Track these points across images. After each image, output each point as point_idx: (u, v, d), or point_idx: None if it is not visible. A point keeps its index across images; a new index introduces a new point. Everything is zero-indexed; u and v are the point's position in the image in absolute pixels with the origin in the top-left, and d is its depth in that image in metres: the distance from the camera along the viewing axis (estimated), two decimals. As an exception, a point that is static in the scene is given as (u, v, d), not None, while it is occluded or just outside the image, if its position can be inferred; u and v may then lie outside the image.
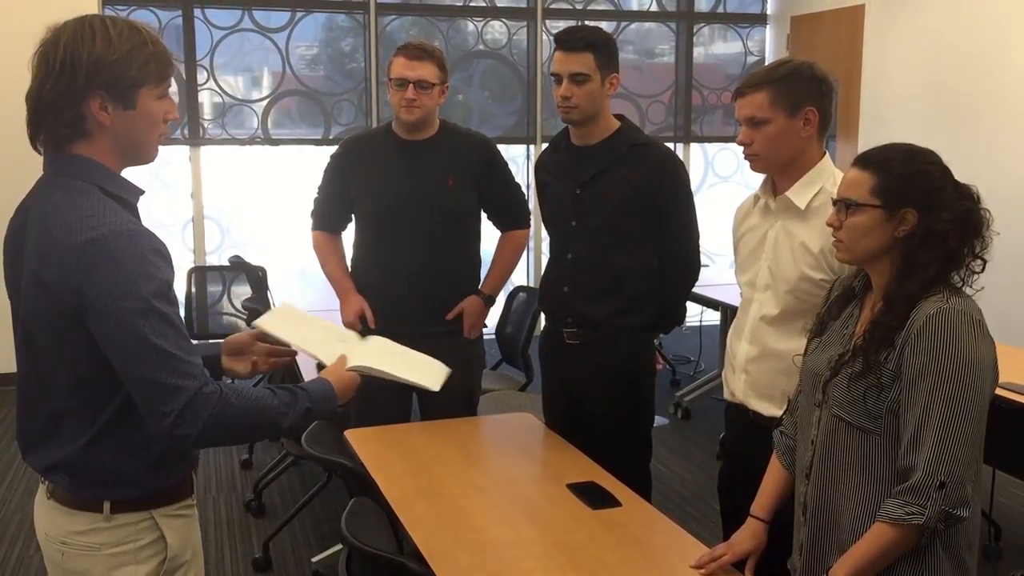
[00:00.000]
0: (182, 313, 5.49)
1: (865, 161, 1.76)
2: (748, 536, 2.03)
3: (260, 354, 1.97)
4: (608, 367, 2.88)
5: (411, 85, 3.04)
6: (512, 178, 3.33)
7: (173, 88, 1.74)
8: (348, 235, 3.38)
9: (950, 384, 1.62)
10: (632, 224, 2.88)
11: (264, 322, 2.03)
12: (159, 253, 1.59)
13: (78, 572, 1.69)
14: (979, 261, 1.74)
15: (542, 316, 3.29)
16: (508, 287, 7.34)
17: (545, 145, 7.36)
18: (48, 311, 1.59)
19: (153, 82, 1.64)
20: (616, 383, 2.92)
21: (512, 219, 3.34)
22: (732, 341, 2.44)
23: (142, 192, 1.71)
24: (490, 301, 3.31)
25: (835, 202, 1.79)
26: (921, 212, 1.69)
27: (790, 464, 2.02)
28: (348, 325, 3.14)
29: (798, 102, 2.18)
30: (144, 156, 1.71)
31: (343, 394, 1.85)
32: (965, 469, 1.61)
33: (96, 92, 1.58)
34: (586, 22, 7.27)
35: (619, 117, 2.97)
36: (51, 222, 1.58)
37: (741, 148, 2.28)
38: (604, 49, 2.83)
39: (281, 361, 2.01)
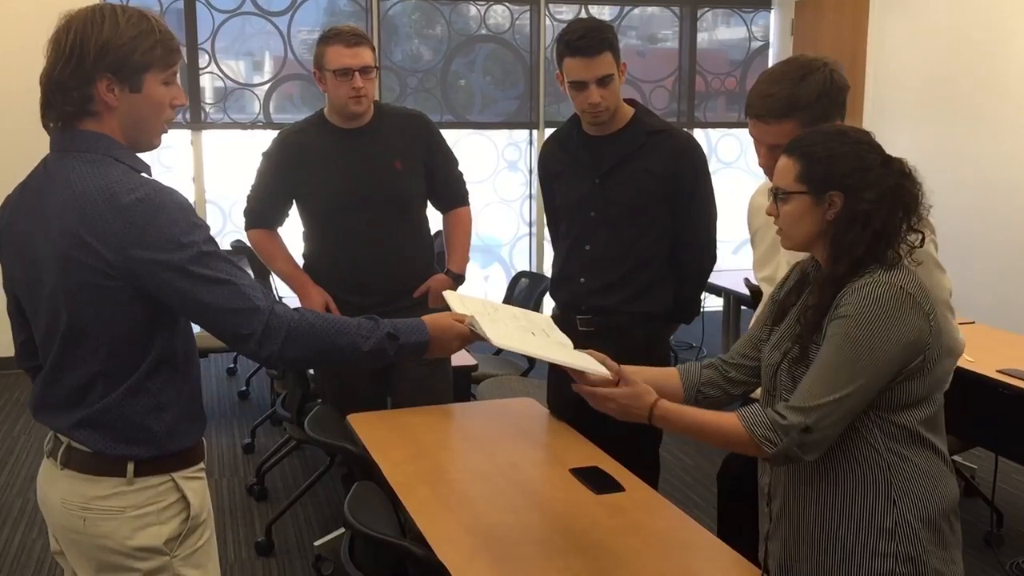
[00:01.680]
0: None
1: (791, 148, 1.76)
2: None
3: None
4: (622, 354, 2.78)
5: (356, 73, 2.95)
6: (453, 155, 3.30)
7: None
8: (292, 229, 3.33)
9: (854, 346, 1.63)
10: (653, 213, 2.82)
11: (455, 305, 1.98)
12: (191, 206, 1.70)
13: (101, 535, 1.73)
14: (916, 234, 1.72)
15: (546, 301, 3.27)
16: (510, 272, 7.36)
17: (549, 131, 7.38)
18: (92, 273, 1.64)
19: (159, 67, 1.71)
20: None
21: (454, 197, 3.30)
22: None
23: (148, 166, 1.77)
24: (459, 279, 3.30)
25: (772, 192, 1.79)
26: (846, 193, 1.70)
27: (687, 382, 2.01)
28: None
29: (827, 121, 2.03)
30: (148, 141, 1.77)
31: (438, 334, 1.87)
32: (831, 424, 1.64)
33: (103, 74, 1.66)
34: (590, 7, 7.25)
35: (631, 102, 2.89)
36: (86, 188, 1.64)
37: (745, 135, 2.19)
38: (614, 41, 2.76)
39: None
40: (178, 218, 1.64)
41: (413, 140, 3.14)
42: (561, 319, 3.02)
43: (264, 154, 3.20)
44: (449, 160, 3.26)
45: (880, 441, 1.70)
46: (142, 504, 1.74)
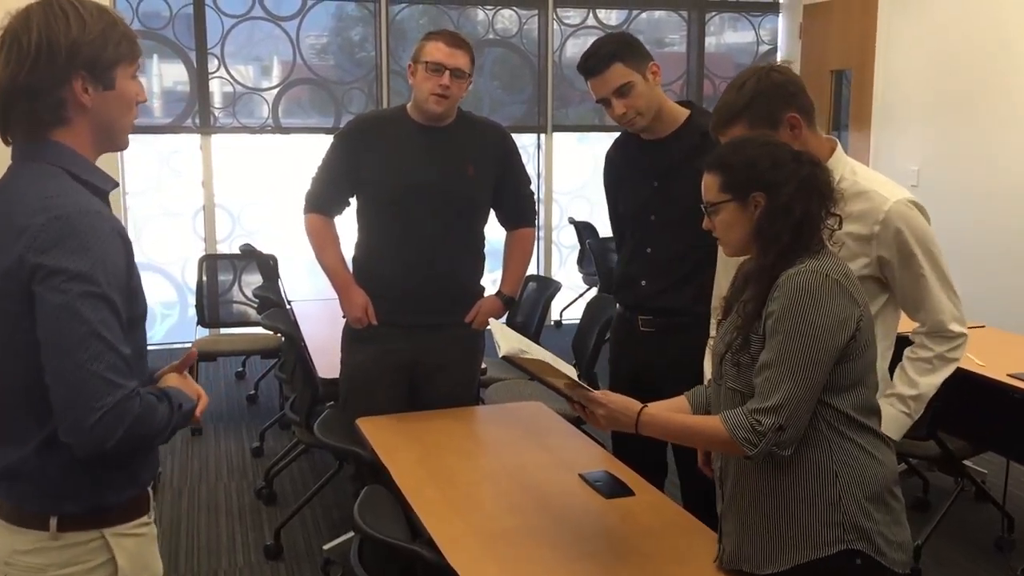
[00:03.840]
0: (193, 302, 5.55)
1: (709, 164, 1.91)
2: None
3: None
4: (682, 353, 2.69)
5: (447, 72, 2.93)
6: (526, 173, 3.25)
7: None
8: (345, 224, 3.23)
9: (799, 338, 1.74)
10: None
11: (506, 350, 2.00)
12: (122, 237, 1.53)
13: None
14: (834, 218, 1.84)
15: (554, 305, 3.25)
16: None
17: (557, 135, 7.38)
18: (2, 296, 1.49)
19: (127, 61, 1.59)
20: (690, 370, 2.81)
21: (522, 216, 3.25)
22: None
23: (116, 184, 1.65)
24: (510, 303, 3.25)
25: (702, 207, 1.93)
26: (767, 191, 1.82)
27: (695, 404, 2.12)
28: (353, 321, 3.08)
29: (775, 117, 2.11)
30: (119, 140, 1.65)
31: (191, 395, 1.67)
32: (802, 417, 1.76)
33: (77, 73, 1.53)
34: (597, 12, 7.26)
35: (687, 104, 2.89)
36: (13, 204, 1.51)
37: None
38: (626, 48, 2.75)
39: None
40: (91, 247, 1.46)
41: (490, 150, 3.09)
42: (622, 318, 3.02)
43: (336, 135, 3.13)
44: (522, 177, 3.21)
45: (820, 423, 1.79)
46: (66, 563, 1.56)
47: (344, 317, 3.15)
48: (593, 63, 2.75)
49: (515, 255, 3.26)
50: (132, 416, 1.47)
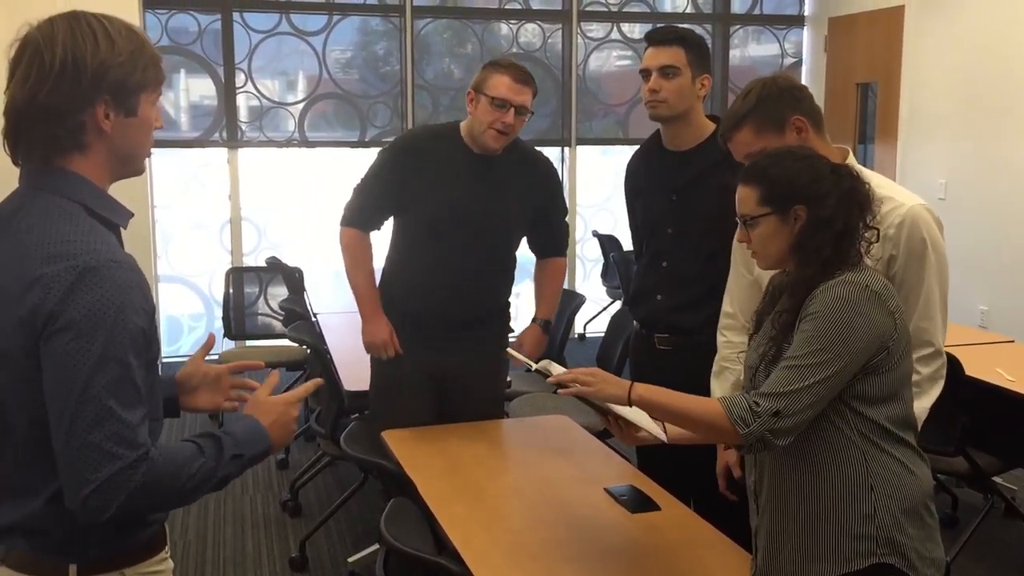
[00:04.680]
0: (219, 314, 5.59)
1: (747, 177, 1.89)
2: None
3: (226, 388, 1.80)
4: (701, 372, 2.64)
5: (512, 109, 2.88)
6: (565, 204, 3.22)
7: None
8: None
9: (822, 340, 1.73)
10: (731, 231, 2.78)
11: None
12: (143, 291, 1.43)
13: None
14: (873, 231, 1.85)
15: (578, 319, 3.24)
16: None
17: (580, 148, 7.38)
18: (9, 342, 1.39)
19: (152, 87, 1.50)
20: (707, 390, 2.74)
21: (556, 246, 3.23)
22: None
23: (131, 214, 1.56)
24: (547, 326, 3.24)
25: (738, 220, 1.92)
26: (809, 205, 1.81)
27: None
28: (377, 347, 3.04)
29: (780, 119, 2.13)
30: (136, 167, 1.55)
31: (277, 432, 1.61)
32: (800, 410, 1.72)
33: (101, 97, 1.43)
34: (620, 25, 7.27)
35: (714, 118, 2.86)
36: (27, 246, 1.40)
37: None
38: (695, 47, 2.77)
39: (245, 395, 1.80)
40: (108, 302, 1.36)
41: (536, 184, 3.07)
42: (640, 336, 3.00)
43: (386, 150, 3.06)
44: (560, 210, 3.19)
45: (855, 434, 1.78)
46: None
47: (365, 342, 3.09)
48: (662, 34, 2.79)
49: (550, 284, 3.26)
50: (131, 488, 1.37)
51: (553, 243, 3.24)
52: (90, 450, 1.35)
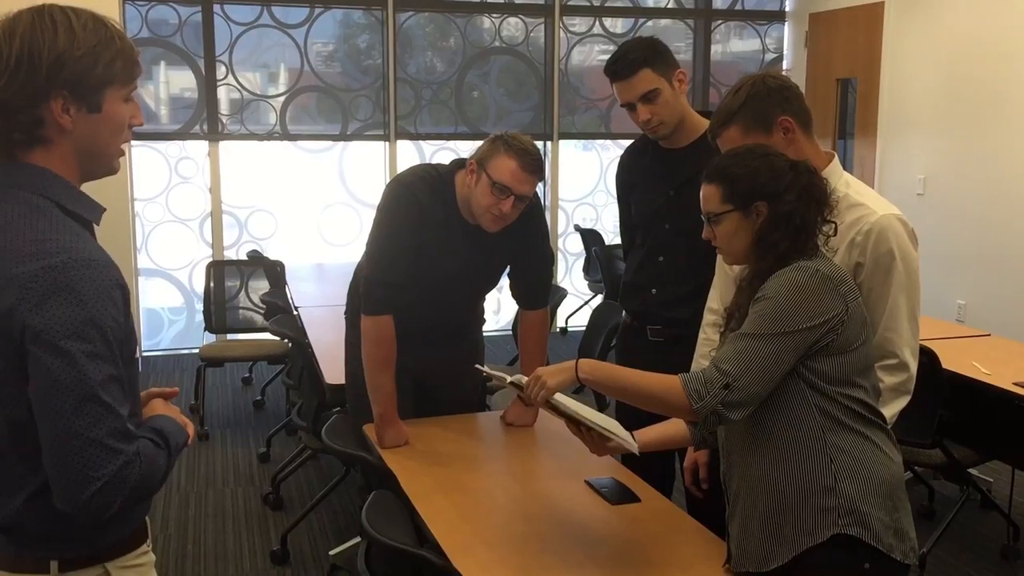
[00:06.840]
0: (200, 307, 5.57)
1: (709, 176, 1.95)
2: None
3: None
4: (690, 364, 2.61)
5: (512, 198, 2.67)
6: (550, 252, 3.05)
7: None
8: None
9: (770, 316, 1.80)
10: None
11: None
12: (122, 289, 1.42)
13: None
14: (829, 224, 1.90)
15: (560, 311, 3.24)
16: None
17: (563, 142, 7.39)
18: None
19: (120, 82, 1.45)
20: None
21: (539, 300, 3.03)
22: None
23: (103, 209, 1.52)
24: None
25: (702, 218, 1.97)
26: (769, 201, 1.87)
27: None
28: (397, 446, 2.79)
29: (767, 119, 2.12)
30: (106, 167, 1.51)
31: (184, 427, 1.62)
32: (750, 383, 1.79)
33: (58, 92, 1.39)
34: (603, 20, 7.28)
35: (707, 114, 2.80)
36: (2, 242, 1.39)
37: None
38: (655, 55, 2.73)
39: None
40: (89, 301, 1.35)
41: (517, 233, 2.86)
42: (630, 328, 3.01)
43: (395, 209, 2.77)
44: (546, 261, 3.03)
45: (814, 409, 1.82)
46: None
47: (378, 440, 2.80)
48: (621, 67, 2.72)
49: (535, 338, 3.05)
50: (132, 483, 1.39)
51: (535, 296, 3.04)
52: (93, 448, 1.35)
